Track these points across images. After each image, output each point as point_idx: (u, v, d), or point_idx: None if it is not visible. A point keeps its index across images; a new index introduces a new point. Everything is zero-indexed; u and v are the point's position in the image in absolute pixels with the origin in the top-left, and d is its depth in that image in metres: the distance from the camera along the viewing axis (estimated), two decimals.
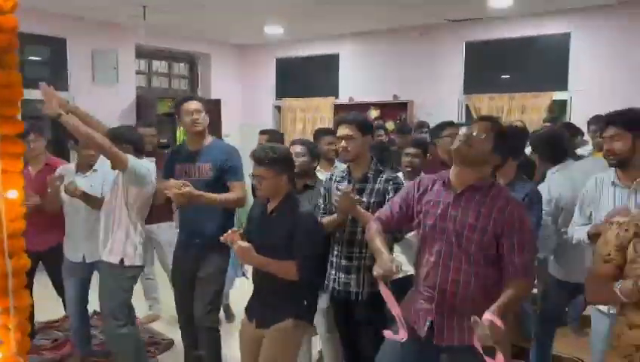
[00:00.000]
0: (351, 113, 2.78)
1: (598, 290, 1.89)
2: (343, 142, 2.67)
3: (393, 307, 2.01)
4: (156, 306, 4.60)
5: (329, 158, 3.76)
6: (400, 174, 3.34)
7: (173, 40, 7.92)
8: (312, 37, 8.09)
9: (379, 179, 2.71)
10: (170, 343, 4.06)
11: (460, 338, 2.01)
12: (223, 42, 8.68)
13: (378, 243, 2.10)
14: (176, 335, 3.66)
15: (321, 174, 3.39)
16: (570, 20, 6.20)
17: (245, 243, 2.37)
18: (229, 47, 8.88)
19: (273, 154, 2.46)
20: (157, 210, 4.02)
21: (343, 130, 2.68)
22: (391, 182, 2.69)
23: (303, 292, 2.52)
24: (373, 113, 7.47)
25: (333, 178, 2.84)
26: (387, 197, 2.63)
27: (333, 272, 2.74)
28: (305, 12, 6.53)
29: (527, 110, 6.40)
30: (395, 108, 7.42)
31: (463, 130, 2.06)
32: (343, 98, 8.00)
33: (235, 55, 9.00)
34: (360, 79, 7.84)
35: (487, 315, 1.75)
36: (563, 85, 6.29)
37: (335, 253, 2.74)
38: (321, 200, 2.86)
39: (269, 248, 2.42)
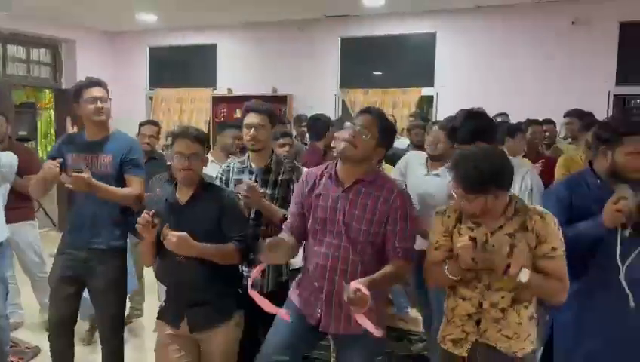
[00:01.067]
0: (260, 102, 2.69)
1: (435, 276, 2.06)
2: (253, 131, 2.59)
3: (268, 307, 2.03)
4: (18, 313, 4.20)
5: (227, 151, 3.70)
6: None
7: (33, 23, 7.24)
8: (188, 26, 7.86)
9: (281, 169, 2.67)
10: (37, 351, 3.74)
11: (345, 327, 2.08)
12: (91, 28, 8.12)
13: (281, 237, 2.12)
14: (42, 342, 3.37)
15: (213, 167, 3.31)
16: (436, 21, 6.66)
17: (182, 233, 2.15)
18: (97, 34, 8.32)
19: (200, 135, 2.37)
20: (17, 208, 3.66)
21: (252, 119, 2.60)
22: (294, 172, 2.66)
23: (235, 280, 2.42)
24: None
25: (231, 169, 2.73)
26: (291, 186, 2.59)
27: (246, 269, 2.65)
28: (179, 1, 6.31)
29: (398, 105, 6.77)
30: (275, 102, 7.44)
31: (347, 127, 2.09)
32: (222, 89, 7.87)
33: (104, 42, 8.46)
34: (239, 71, 7.76)
35: (355, 282, 1.83)
36: (430, 82, 6.75)
37: None
38: None
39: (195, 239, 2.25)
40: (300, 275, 2.33)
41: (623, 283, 2.06)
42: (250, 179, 2.59)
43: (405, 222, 2.05)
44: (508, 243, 1.90)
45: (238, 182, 2.56)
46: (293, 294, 2.27)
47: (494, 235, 1.94)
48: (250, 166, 2.68)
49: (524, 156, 4.55)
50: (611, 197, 2.02)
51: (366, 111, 2.13)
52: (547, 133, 4.96)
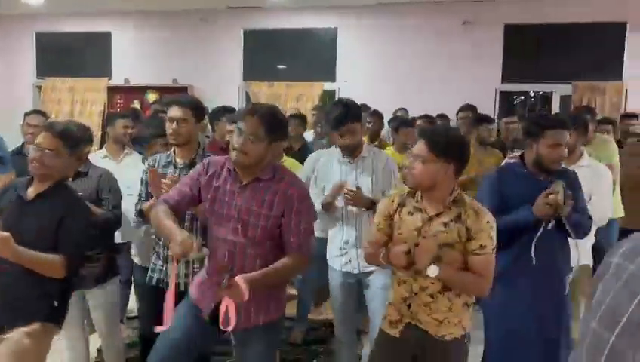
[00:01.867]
0: (184, 95, 2.58)
1: (372, 254, 2.15)
2: (175, 125, 2.48)
3: (167, 313, 2.00)
4: None
5: (120, 142, 3.53)
6: None
7: None
8: (80, 12, 7.40)
9: None
10: None
11: (245, 321, 2.07)
12: None
13: (169, 223, 2.00)
14: None
15: (107, 162, 3.14)
16: (337, 16, 6.80)
17: (4, 233, 2.00)
18: None
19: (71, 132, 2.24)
20: None
21: (175, 112, 2.49)
22: None
23: (55, 292, 2.24)
24: (152, 97, 7.16)
25: (157, 163, 2.61)
26: None
27: (160, 263, 2.57)
28: None
29: (302, 98, 6.84)
30: (175, 93, 7.22)
31: (235, 134, 2.04)
32: (118, 80, 7.50)
33: None
34: (137, 61, 7.44)
35: (239, 277, 1.87)
36: (332, 76, 6.88)
37: (161, 243, 2.55)
38: (142, 188, 2.62)
39: (25, 239, 2.08)
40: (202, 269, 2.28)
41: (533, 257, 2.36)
42: (175, 174, 2.50)
43: (300, 215, 2.05)
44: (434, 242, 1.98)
45: (162, 176, 2.47)
46: (193, 287, 2.23)
47: (431, 223, 2.01)
48: (175, 160, 2.58)
49: None
50: (546, 191, 2.27)
51: (249, 113, 2.04)
52: None
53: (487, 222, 1.98)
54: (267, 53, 7.25)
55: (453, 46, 6.44)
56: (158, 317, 2.05)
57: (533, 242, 2.36)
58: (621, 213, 3.87)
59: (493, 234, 1.99)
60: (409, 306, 2.07)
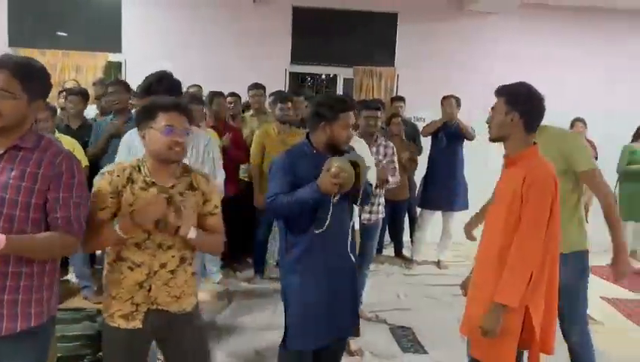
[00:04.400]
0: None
1: (99, 238, 1.97)
2: None
3: None
4: None
5: None
6: None
7: None
8: None
9: None
10: None
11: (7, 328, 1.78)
12: None
13: None
14: None
15: None
16: None
17: None
18: None
19: None
20: None
21: None
22: None
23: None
24: None
25: None
26: None
27: None
28: None
29: (83, 70, 6.23)
30: None
31: None
32: None
33: None
34: None
35: None
36: (118, 47, 6.38)
37: None
38: None
39: None
40: None
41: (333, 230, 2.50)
42: None
43: (71, 190, 1.82)
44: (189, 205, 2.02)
45: None
46: None
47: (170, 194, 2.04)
48: None
49: (212, 127, 4.74)
50: (327, 168, 2.37)
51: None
52: (232, 105, 5.26)
53: (215, 185, 2.21)
54: (41, 18, 6.40)
55: (243, 24, 6.45)
56: None
57: (328, 216, 2.48)
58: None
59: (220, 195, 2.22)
60: (149, 289, 2.03)
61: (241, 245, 5.10)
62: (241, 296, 4.54)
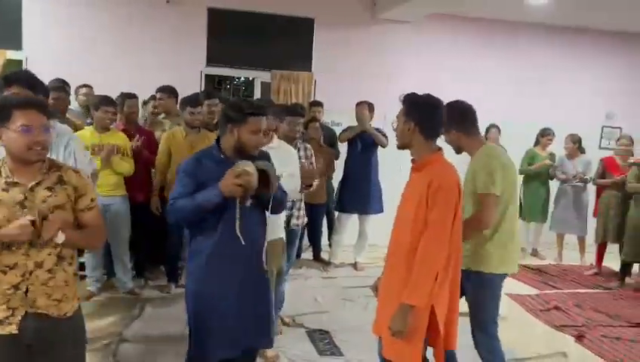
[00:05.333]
0: None
1: None
2: None
3: None
4: None
5: None
6: None
7: None
8: None
9: None
10: None
11: None
12: None
13: None
14: None
15: None
16: None
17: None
18: None
19: None
20: None
21: None
22: None
23: None
24: None
25: None
26: None
27: None
28: None
29: None
30: None
31: None
32: None
33: None
34: None
35: None
36: (18, 44, 5.96)
37: None
38: None
39: None
40: None
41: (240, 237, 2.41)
42: None
43: None
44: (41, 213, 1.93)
45: None
46: None
47: (34, 192, 1.95)
48: None
49: (123, 130, 4.55)
50: (231, 170, 2.29)
51: None
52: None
53: (88, 177, 2.19)
54: None
55: (157, 24, 6.24)
56: None
57: (236, 221, 2.40)
58: None
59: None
60: (26, 292, 1.94)
61: (154, 252, 4.93)
62: (154, 306, 4.37)
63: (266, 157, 2.61)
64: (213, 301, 2.44)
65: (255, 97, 6.69)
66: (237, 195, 2.34)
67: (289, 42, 6.75)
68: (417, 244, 2.26)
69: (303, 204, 3.96)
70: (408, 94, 2.39)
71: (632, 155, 5.82)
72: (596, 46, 7.52)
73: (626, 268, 5.63)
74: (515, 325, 4.42)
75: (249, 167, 2.33)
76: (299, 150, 3.99)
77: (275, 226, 3.22)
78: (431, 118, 2.36)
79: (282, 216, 3.40)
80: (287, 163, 3.24)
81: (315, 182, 3.92)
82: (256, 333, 2.57)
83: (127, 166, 4.33)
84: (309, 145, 4.15)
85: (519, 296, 5.07)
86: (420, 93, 2.41)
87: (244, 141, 2.42)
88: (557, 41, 7.37)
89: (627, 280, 5.65)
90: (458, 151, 2.94)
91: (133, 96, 4.77)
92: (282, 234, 3.39)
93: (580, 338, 4.14)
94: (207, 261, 2.43)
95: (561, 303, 4.90)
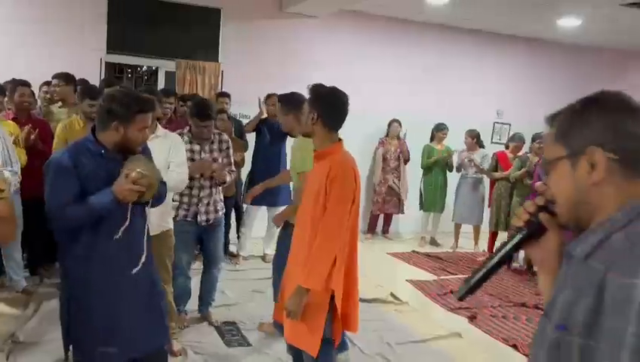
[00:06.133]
0: None
1: None
2: None
3: None
4: None
5: None
6: None
7: None
8: None
9: None
10: None
11: None
12: None
13: None
14: None
15: None
16: None
17: None
18: None
19: None
20: None
21: None
22: None
23: None
24: None
25: None
26: None
27: None
28: None
29: None
30: None
31: None
32: None
33: None
34: None
35: None
36: None
37: None
38: None
39: None
40: None
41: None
42: None
43: None
44: None
45: None
46: None
47: None
48: None
49: (14, 119, 4.28)
50: (125, 174, 2.15)
51: None
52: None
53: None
54: None
55: (51, 8, 5.87)
56: None
57: (126, 223, 2.26)
58: None
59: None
60: None
61: (49, 248, 4.65)
62: (50, 305, 4.13)
63: (148, 151, 2.47)
64: (96, 305, 2.27)
65: (159, 87, 6.48)
66: (132, 200, 2.21)
67: (195, 32, 6.61)
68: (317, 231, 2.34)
69: (213, 199, 3.82)
70: (314, 85, 2.46)
71: (521, 151, 6.33)
72: (489, 47, 8.05)
73: None
74: (415, 309, 4.68)
75: (147, 169, 2.20)
76: (212, 142, 3.88)
77: (162, 219, 3.20)
78: (333, 109, 2.44)
79: (170, 207, 3.37)
80: (174, 153, 3.24)
81: (229, 179, 3.88)
82: (150, 334, 2.42)
83: (20, 157, 4.06)
84: (226, 138, 4.01)
85: (419, 282, 5.36)
86: (315, 85, 2.48)
87: (130, 139, 2.25)
88: (452, 42, 7.81)
89: (513, 264, 6.14)
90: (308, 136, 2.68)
91: (24, 84, 4.46)
92: (171, 226, 3.37)
93: (472, 318, 4.46)
94: (90, 264, 2.25)
95: (456, 287, 5.22)
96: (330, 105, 2.43)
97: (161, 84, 6.68)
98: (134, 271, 2.33)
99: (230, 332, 3.90)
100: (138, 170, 2.16)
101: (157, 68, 6.77)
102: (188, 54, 6.50)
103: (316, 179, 2.41)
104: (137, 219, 2.34)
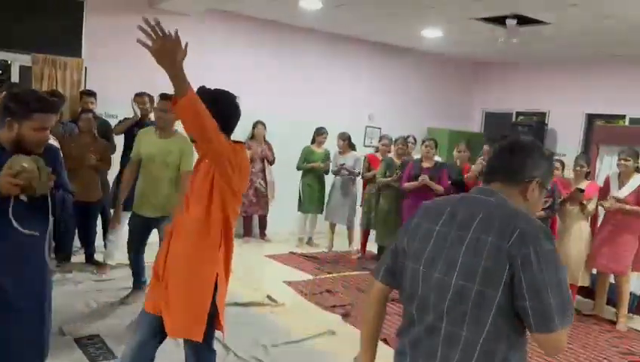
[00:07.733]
0: None
1: None
2: None
3: None
4: None
5: None
6: None
7: None
8: None
9: None
10: None
11: None
12: None
13: None
14: None
15: None
16: None
17: None
18: None
19: None
20: None
21: None
22: None
23: None
24: None
25: None
26: None
27: None
28: None
29: None
30: None
31: None
32: None
33: None
34: None
35: None
36: None
37: None
38: None
39: None
40: None
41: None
42: None
43: None
44: None
45: None
46: None
47: None
48: None
49: None
50: (7, 167, 2.11)
51: None
52: None
53: None
54: None
55: None
56: None
57: (10, 216, 2.20)
58: None
59: None
60: None
61: None
62: None
63: (53, 153, 2.44)
64: None
65: (14, 82, 5.88)
66: (14, 193, 2.17)
67: (54, 24, 6.09)
68: (209, 219, 2.38)
69: None
70: (200, 88, 2.42)
71: (390, 153, 6.66)
72: (361, 54, 8.36)
73: (381, 250, 6.41)
74: (291, 309, 4.71)
75: (30, 164, 2.15)
76: None
77: None
78: (225, 112, 2.47)
79: None
80: None
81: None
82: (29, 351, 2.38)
83: None
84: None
85: (295, 283, 5.41)
86: (198, 85, 2.44)
87: (25, 137, 2.23)
88: (326, 47, 8.00)
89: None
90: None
91: None
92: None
93: (345, 316, 4.58)
94: None
95: (331, 286, 5.36)
96: (217, 108, 2.40)
97: (14, 79, 6.06)
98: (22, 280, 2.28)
99: (93, 346, 3.63)
100: (23, 164, 2.14)
101: (10, 62, 6.14)
102: (46, 48, 5.97)
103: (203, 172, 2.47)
104: (33, 222, 2.30)
